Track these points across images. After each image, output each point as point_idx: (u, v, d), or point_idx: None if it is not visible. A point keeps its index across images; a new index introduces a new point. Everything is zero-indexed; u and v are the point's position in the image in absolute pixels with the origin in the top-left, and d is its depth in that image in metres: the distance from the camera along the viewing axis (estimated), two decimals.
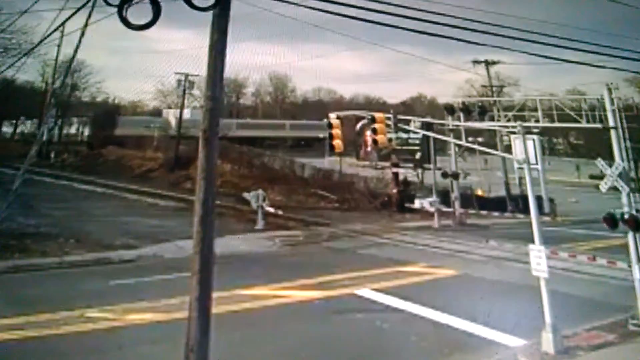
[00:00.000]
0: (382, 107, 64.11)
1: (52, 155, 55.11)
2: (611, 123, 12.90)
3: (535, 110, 14.58)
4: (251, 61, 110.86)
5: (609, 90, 13.06)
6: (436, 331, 12.02)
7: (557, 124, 14.96)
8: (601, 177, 12.58)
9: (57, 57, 49.48)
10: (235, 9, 7.51)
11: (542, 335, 10.72)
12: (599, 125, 13.26)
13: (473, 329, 11.95)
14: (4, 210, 14.22)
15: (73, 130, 70.93)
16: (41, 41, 13.66)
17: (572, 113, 14.17)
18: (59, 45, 39.05)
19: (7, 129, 76.03)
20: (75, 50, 7.26)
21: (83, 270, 16.88)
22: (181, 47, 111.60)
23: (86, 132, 69.57)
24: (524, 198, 24.06)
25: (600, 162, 12.51)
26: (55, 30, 9.23)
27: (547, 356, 10.47)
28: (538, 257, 10.98)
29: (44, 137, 37.89)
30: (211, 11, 7.29)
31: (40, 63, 57.50)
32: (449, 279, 16.57)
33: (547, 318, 10.74)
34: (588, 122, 13.48)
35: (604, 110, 13.14)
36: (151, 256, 18.86)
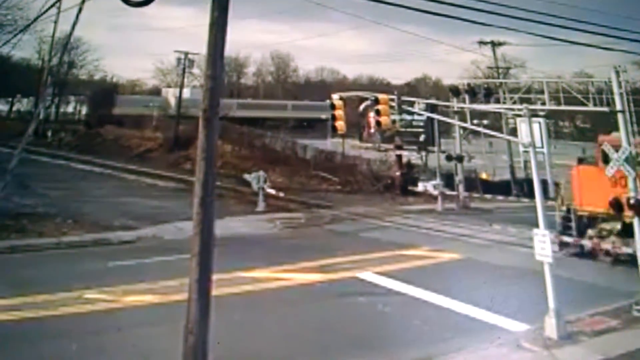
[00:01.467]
0: (386, 88, 63.68)
1: (49, 134, 54.70)
2: (618, 106, 12.70)
3: (542, 92, 14.32)
4: (253, 40, 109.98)
5: (617, 73, 12.83)
6: (438, 315, 11.95)
7: (563, 107, 14.73)
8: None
9: (53, 33, 48.93)
10: None
11: (545, 320, 10.63)
12: (606, 109, 13.06)
13: (476, 314, 11.88)
14: (0, 190, 14.01)
15: (70, 108, 70.37)
16: (37, 17, 13.40)
17: (579, 96, 13.93)
18: (55, 22, 38.54)
19: (2, 106, 75.50)
20: (73, 27, 7.05)
21: (81, 251, 16.76)
22: (181, 24, 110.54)
23: (84, 110, 69.08)
24: (529, 182, 23.81)
25: (606, 146, 12.33)
26: (51, 6, 9.03)
27: (550, 341, 10.39)
28: (542, 241, 10.85)
29: (41, 116, 37.49)
30: None
31: (36, 40, 57.00)
32: (452, 263, 16.47)
33: (551, 303, 10.63)
34: (595, 105, 13.26)
35: (612, 93, 12.94)
36: (150, 237, 18.73)
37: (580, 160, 16.64)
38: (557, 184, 17.54)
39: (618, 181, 14.19)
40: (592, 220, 16.28)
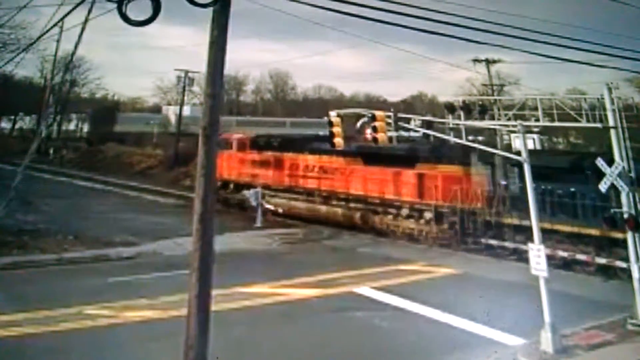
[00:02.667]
0: (383, 105, 64.06)
1: (51, 151, 55.04)
2: (611, 122, 12.87)
3: (536, 109, 14.50)
4: (251, 58, 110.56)
5: (609, 89, 13.02)
6: (435, 330, 12.05)
7: (557, 123, 14.89)
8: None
9: (56, 52, 49.36)
10: (236, 5, 7.48)
11: (541, 334, 10.74)
12: (599, 125, 13.24)
13: (472, 328, 11.98)
14: (3, 206, 14.17)
15: (72, 126, 70.87)
16: (40, 36, 13.61)
17: (572, 112, 14.11)
18: (58, 41, 38.98)
19: (5, 124, 75.88)
20: (75, 46, 7.23)
21: (82, 267, 16.89)
22: (181, 43, 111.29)
23: (85, 128, 69.51)
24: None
25: (600, 162, 12.49)
26: (54, 25, 9.21)
27: (546, 355, 10.50)
28: (537, 255, 10.98)
29: (43, 134, 37.77)
30: (211, 7, 7.26)
31: (39, 58, 57.26)
32: (448, 278, 16.57)
33: (546, 317, 10.75)
34: (588, 121, 13.42)
35: (604, 109, 13.11)
36: (150, 253, 18.85)
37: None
38: None
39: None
40: None
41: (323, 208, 25.05)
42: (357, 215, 23.56)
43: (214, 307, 7.39)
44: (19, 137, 65.18)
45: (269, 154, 27.96)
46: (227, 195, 28.90)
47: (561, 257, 16.78)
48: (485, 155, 18.03)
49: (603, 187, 12.31)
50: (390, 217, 22.69)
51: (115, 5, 6.75)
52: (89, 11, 6.92)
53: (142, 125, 58.47)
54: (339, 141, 14.85)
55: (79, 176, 42.08)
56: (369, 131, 13.87)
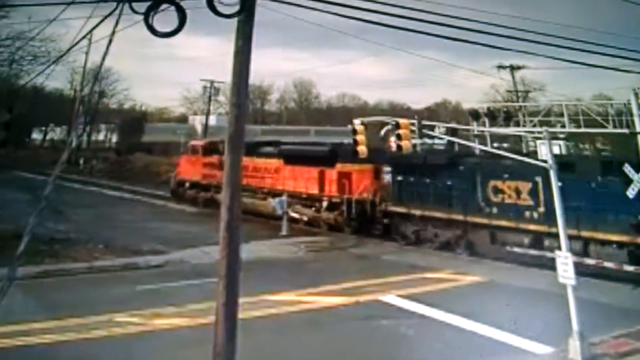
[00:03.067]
0: (407, 112, 63.87)
1: (81, 161, 56.17)
2: (638, 128, 12.75)
3: (561, 115, 14.40)
4: (276, 68, 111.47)
5: (636, 95, 12.90)
6: (462, 338, 11.95)
7: (583, 130, 14.75)
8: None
9: (85, 64, 50.59)
10: (260, 15, 7.51)
11: (569, 342, 10.57)
12: (625, 131, 13.07)
13: (499, 336, 11.85)
14: (35, 216, 14.52)
15: (101, 137, 72.24)
16: (69, 49, 14.05)
17: (598, 118, 13.98)
18: (86, 53, 39.98)
19: (36, 135, 77.81)
20: (103, 58, 7.39)
21: (111, 275, 17.20)
22: (206, 54, 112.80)
23: (114, 138, 70.84)
24: None
25: (627, 168, 12.34)
26: (83, 38, 9.45)
27: None
28: (565, 263, 10.85)
29: (73, 144, 38.65)
30: (236, 18, 7.32)
31: (68, 70, 58.76)
32: (474, 286, 16.42)
33: (574, 325, 10.58)
34: (615, 127, 13.28)
35: (631, 115, 12.97)
36: (178, 262, 19.10)
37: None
38: None
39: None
40: None
41: (264, 203, 28.09)
42: None
43: (241, 315, 7.45)
44: (50, 148, 66.81)
45: (215, 157, 31.12)
46: (193, 194, 33.75)
47: (587, 264, 16.54)
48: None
49: (631, 192, 12.16)
50: (313, 209, 26.32)
51: (142, 17, 6.91)
52: (116, 23, 7.07)
53: (169, 135, 59.37)
54: (362, 149, 14.88)
55: (108, 186, 42.88)
56: (393, 139, 13.89)
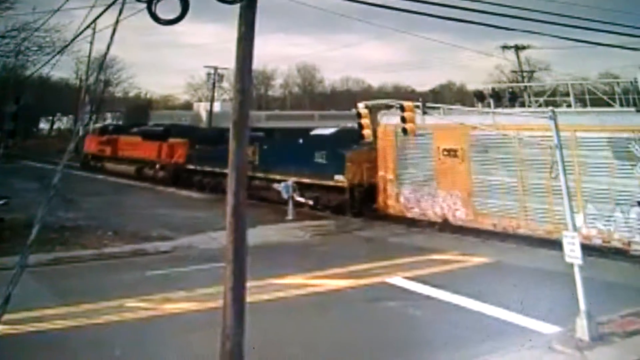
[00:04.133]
0: (411, 95, 63.59)
1: None
2: None
3: (567, 95, 14.33)
4: (279, 53, 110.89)
5: None
6: (469, 319, 12.03)
7: (589, 109, 14.66)
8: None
9: (89, 53, 50.51)
10: (262, 1, 7.53)
11: (577, 322, 10.60)
12: (632, 109, 12.99)
13: (506, 317, 11.93)
14: (44, 204, 14.67)
15: None
16: (74, 38, 14.06)
17: (605, 97, 13.90)
18: (91, 42, 39.90)
19: (44, 125, 78.17)
20: (108, 47, 7.40)
21: (121, 262, 17.37)
22: (210, 40, 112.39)
23: None
24: None
25: (634, 146, 12.30)
26: (87, 27, 9.47)
27: (581, 343, 10.37)
28: (571, 243, 10.87)
29: (80, 133, 39.08)
30: (238, 4, 7.32)
31: (73, 60, 58.76)
32: (481, 267, 16.49)
33: (581, 305, 10.62)
34: (622, 105, 13.21)
35: (638, 93, 12.88)
36: (186, 247, 19.25)
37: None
38: None
39: None
40: None
41: (129, 167, 40.27)
42: (134, 168, 39.67)
43: (249, 299, 7.54)
44: (58, 137, 67.09)
45: (105, 137, 44.85)
46: (93, 163, 45.95)
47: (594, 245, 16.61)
48: None
49: (638, 171, 12.13)
50: (152, 170, 38.08)
51: (145, 5, 6.92)
52: (120, 12, 7.09)
53: (174, 122, 59.31)
54: (367, 132, 14.90)
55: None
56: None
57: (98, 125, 52.92)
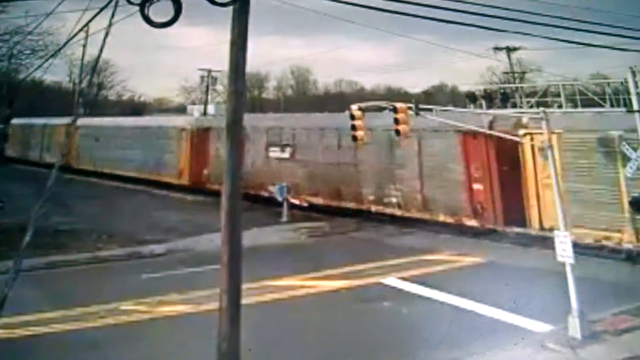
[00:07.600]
0: (404, 96, 63.54)
1: None
2: (635, 107, 12.76)
3: (558, 95, 14.49)
4: (272, 55, 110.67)
5: (633, 73, 12.90)
6: (463, 318, 12.15)
7: (580, 110, 14.81)
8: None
9: (82, 57, 50.55)
10: (255, 3, 7.59)
11: (569, 320, 10.73)
12: (622, 110, 13.13)
13: (499, 316, 12.05)
14: (38, 207, 14.67)
15: None
16: (67, 42, 14.06)
17: (595, 97, 14.05)
18: (84, 46, 39.78)
19: None
20: (100, 50, 7.43)
21: (116, 265, 17.38)
22: (203, 43, 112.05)
23: None
24: None
25: (625, 146, 12.43)
26: (80, 31, 9.49)
27: (574, 341, 10.50)
28: (563, 242, 10.99)
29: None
30: (231, 6, 7.39)
31: (67, 63, 58.75)
32: (475, 267, 16.59)
33: (573, 303, 10.74)
34: (612, 106, 13.36)
35: (629, 94, 13.01)
36: (181, 250, 19.26)
37: None
38: None
39: None
40: None
41: None
42: None
43: (244, 300, 7.61)
44: None
45: None
46: None
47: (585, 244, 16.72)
48: None
49: (629, 171, 12.26)
50: None
51: (137, 8, 6.96)
52: (112, 15, 7.13)
53: None
54: (361, 134, 14.94)
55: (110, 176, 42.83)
56: None
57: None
